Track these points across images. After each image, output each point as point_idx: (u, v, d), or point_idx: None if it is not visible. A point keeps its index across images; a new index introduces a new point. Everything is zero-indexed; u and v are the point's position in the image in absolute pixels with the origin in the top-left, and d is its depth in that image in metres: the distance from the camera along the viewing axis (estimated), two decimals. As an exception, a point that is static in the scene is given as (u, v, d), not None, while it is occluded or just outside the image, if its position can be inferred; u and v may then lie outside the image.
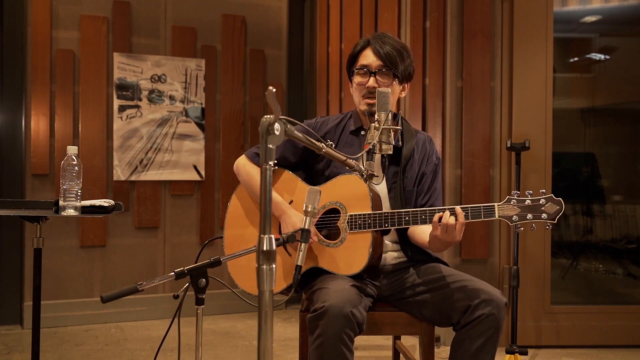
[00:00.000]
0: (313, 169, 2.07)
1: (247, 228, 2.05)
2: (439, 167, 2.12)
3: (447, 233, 1.74)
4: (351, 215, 1.88)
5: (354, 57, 2.05)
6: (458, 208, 1.75)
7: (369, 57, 2.00)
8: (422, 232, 1.94)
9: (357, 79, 2.02)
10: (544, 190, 1.78)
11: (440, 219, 1.75)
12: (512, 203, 1.77)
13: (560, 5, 3.75)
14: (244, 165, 2.08)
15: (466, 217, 1.76)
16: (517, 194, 1.78)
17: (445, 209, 1.79)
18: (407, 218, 1.83)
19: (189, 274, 1.47)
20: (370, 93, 1.96)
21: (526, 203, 1.76)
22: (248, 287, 2.00)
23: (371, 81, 1.97)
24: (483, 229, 3.22)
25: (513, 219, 1.76)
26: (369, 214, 1.86)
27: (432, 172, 2.08)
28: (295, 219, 1.94)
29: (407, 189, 2.02)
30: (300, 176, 2.07)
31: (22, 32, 3.65)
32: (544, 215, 1.75)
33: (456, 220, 1.73)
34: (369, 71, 1.99)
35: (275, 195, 2.00)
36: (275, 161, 1.98)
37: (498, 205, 1.77)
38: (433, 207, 2.00)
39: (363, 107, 2.00)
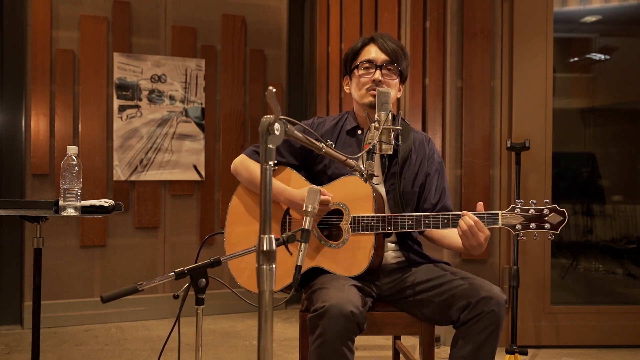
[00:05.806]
0: (314, 169, 2.07)
1: (248, 226, 2.05)
2: (443, 166, 2.12)
3: (474, 237, 1.76)
4: (354, 217, 1.88)
5: (356, 53, 2.04)
6: (465, 214, 1.76)
7: (374, 52, 2.00)
8: (450, 238, 1.96)
9: (360, 72, 2.01)
10: (547, 200, 1.80)
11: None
12: (515, 212, 1.78)
13: (560, 5, 3.75)
14: (242, 162, 2.07)
15: None
16: (521, 202, 1.79)
17: (449, 214, 1.81)
18: (410, 222, 1.84)
19: (189, 274, 1.47)
20: (376, 85, 1.95)
21: (530, 212, 1.77)
22: (248, 285, 1.99)
23: (377, 74, 1.97)
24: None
25: (516, 227, 1.78)
26: (372, 216, 1.86)
27: (436, 171, 2.07)
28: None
29: (405, 190, 2.01)
30: (303, 176, 2.06)
31: (22, 32, 3.65)
32: (547, 226, 1.76)
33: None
34: (374, 65, 1.99)
35: (278, 183, 1.98)
36: (276, 161, 1.99)
37: (502, 213, 1.78)
38: (445, 207, 2.03)
39: (367, 100, 1.99)
